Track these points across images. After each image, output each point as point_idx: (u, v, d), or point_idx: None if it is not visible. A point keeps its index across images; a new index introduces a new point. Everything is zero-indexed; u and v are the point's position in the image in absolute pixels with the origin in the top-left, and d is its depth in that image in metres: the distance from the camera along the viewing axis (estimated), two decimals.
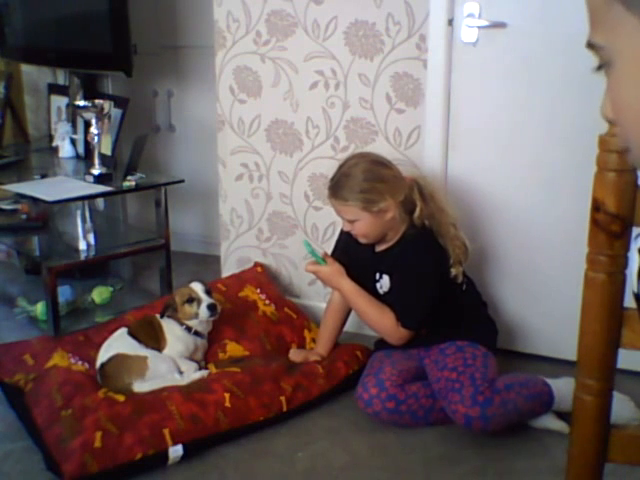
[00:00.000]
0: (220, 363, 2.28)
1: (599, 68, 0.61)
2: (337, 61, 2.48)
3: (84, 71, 3.06)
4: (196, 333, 2.27)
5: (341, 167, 2.13)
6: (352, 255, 2.24)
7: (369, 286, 2.18)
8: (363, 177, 2.07)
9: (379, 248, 2.19)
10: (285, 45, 2.54)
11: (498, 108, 2.31)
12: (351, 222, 2.11)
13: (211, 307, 2.22)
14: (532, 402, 2.01)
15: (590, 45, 0.61)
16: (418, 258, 2.10)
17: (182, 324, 2.25)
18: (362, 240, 2.16)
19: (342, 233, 2.32)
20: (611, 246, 1.08)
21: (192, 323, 2.25)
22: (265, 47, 2.58)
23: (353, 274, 2.19)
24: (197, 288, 2.24)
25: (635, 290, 0.64)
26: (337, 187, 2.10)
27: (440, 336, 2.14)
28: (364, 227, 2.10)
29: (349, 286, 2.17)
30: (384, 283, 2.17)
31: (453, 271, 2.10)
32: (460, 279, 2.12)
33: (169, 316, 2.25)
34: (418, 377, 2.10)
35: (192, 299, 2.22)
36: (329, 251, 2.33)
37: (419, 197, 2.10)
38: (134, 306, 2.63)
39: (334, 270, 2.20)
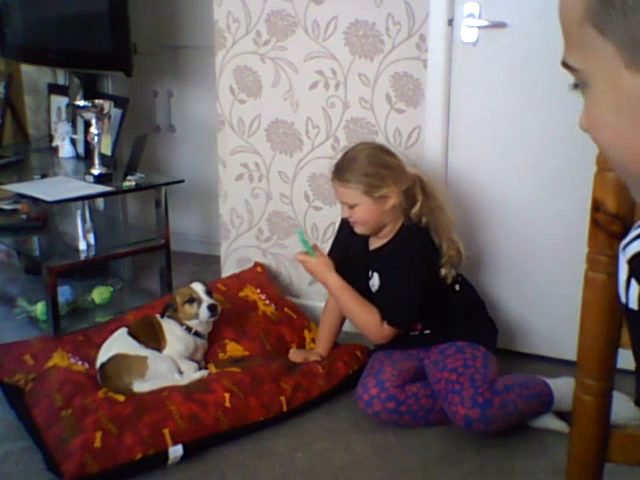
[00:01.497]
0: (220, 363, 2.28)
1: (575, 87, 0.62)
2: (337, 61, 2.48)
3: (84, 71, 3.06)
4: (196, 333, 2.26)
5: (347, 152, 2.14)
6: (348, 252, 2.24)
7: (362, 284, 2.18)
8: (368, 161, 2.07)
9: (373, 246, 2.19)
10: (285, 45, 2.54)
11: (498, 108, 2.31)
12: (351, 207, 2.10)
13: (211, 308, 2.22)
14: (532, 402, 2.01)
15: (565, 64, 0.61)
16: (408, 257, 2.09)
17: (182, 324, 2.25)
18: (359, 229, 2.14)
19: (340, 230, 2.32)
20: (611, 246, 1.08)
21: (192, 323, 2.25)
22: (265, 47, 2.58)
23: (347, 271, 2.19)
24: (198, 288, 2.24)
25: (623, 300, 0.64)
26: (341, 169, 2.10)
27: (439, 336, 2.14)
28: (363, 213, 2.09)
29: (335, 280, 2.17)
30: (375, 282, 2.17)
31: (443, 271, 2.09)
32: (449, 280, 2.11)
33: (169, 316, 2.25)
34: (418, 377, 2.10)
35: (193, 299, 2.22)
36: (327, 248, 2.33)
37: (421, 192, 2.09)
38: (134, 306, 2.63)
39: (322, 262, 2.19)
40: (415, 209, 2.08)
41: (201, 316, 2.22)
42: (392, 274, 2.11)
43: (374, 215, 2.09)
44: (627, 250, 0.64)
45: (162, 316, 2.25)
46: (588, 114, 0.62)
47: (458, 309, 2.19)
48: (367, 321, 2.12)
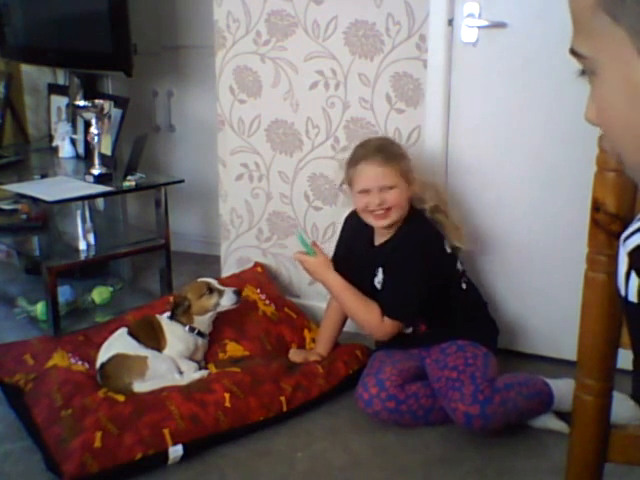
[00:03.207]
0: (220, 363, 2.28)
1: (583, 73, 0.61)
2: (337, 61, 2.48)
3: (84, 71, 3.06)
4: (199, 333, 2.27)
5: (369, 141, 2.19)
6: (353, 252, 2.24)
7: (368, 282, 2.18)
8: (398, 146, 2.17)
9: (378, 241, 2.19)
10: (285, 45, 2.54)
11: (498, 108, 2.31)
12: (385, 191, 2.07)
13: (237, 292, 2.26)
14: (532, 401, 2.01)
15: (573, 52, 0.60)
16: (411, 250, 2.09)
17: (184, 324, 2.25)
18: (389, 218, 2.08)
19: (343, 230, 2.33)
20: (611, 246, 1.08)
21: (198, 321, 2.25)
22: (265, 47, 2.58)
23: (353, 271, 2.19)
24: (211, 280, 2.27)
25: (623, 293, 0.64)
26: (379, 150, 2.10)
27: (440, 335, 2.14)
28: (398, 195, 2.08)
29: (334, 279, 2.17)
30: (380, 278, 2.17)
31: (448, 249, 2.13)
32: (458, 254, 2.15)
33: (169, 317, 2.25)
34: (418, 377, 2.10)
35: (212, 290, 2.24)
36: (328, 247, 2.33)
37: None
38: (134, 306, 2.63)
39: (321, 262, 2.19)
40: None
41: (223, 303, 2.24)
42: (394, 267, 2.11)
43: (404, 199, 2.10)
44: (628, 243, 0.63)
45: (172, 317, 2.24)
46: (595, 104, 0.60)
47: (462, 308, 2.19)
48: (368, 318, 2.12)
